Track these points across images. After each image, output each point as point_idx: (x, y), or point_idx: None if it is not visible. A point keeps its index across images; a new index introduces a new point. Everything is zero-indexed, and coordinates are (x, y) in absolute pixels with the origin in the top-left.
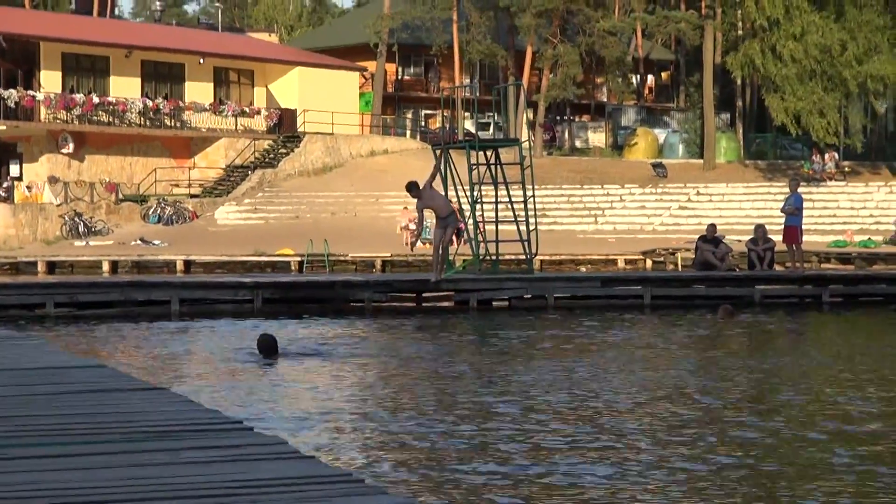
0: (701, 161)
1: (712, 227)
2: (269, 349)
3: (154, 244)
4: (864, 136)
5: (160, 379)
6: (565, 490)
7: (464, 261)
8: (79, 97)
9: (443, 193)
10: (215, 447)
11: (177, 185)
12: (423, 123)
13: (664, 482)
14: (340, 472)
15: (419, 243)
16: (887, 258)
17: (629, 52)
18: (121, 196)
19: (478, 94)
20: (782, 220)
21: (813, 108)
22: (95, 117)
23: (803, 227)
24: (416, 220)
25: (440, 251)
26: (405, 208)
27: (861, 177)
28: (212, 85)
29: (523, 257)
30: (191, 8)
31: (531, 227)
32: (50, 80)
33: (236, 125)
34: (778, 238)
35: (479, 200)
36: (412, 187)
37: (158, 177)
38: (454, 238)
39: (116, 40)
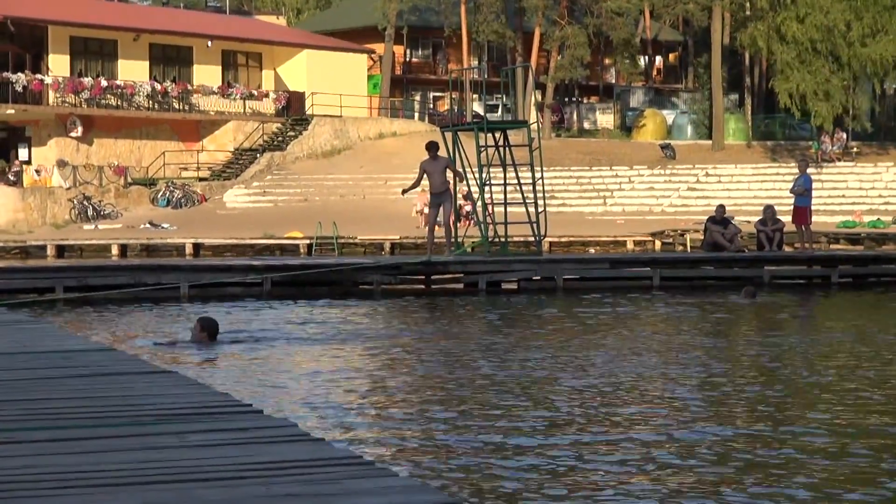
0: (709, 142)
1: (721, 208)
2: (209, 333)
3: (163, 227)
4: (871, 117)
5: (168, 362)
6: (574, 473)
7: (472, 243)
8: (87, 81)
9: (449, 180)
10: (224, 430)
11: (185, 169)
12: (431, 106)
13: (674, 461)
14: (350, 454)
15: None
16: None
17: (637, 34)
18: (129, 179)
19: (486, 76)
20: (791, 200)
21: (818, 89)
22: (104, 101)
23: (812, 207)
24: (427, 203)
25: (447, 230)
26: (423, 191)
27: (869, 157)
28: (220, 68)
29: (532, 239)
30: None
31: (540, 209)
32: (58, 64)
33: (244, 108)
34: (787, 219)
35: (487, 182)
36: (433, 147)
37: (167, 160)
38: (465, 220)
39: (124, 23)
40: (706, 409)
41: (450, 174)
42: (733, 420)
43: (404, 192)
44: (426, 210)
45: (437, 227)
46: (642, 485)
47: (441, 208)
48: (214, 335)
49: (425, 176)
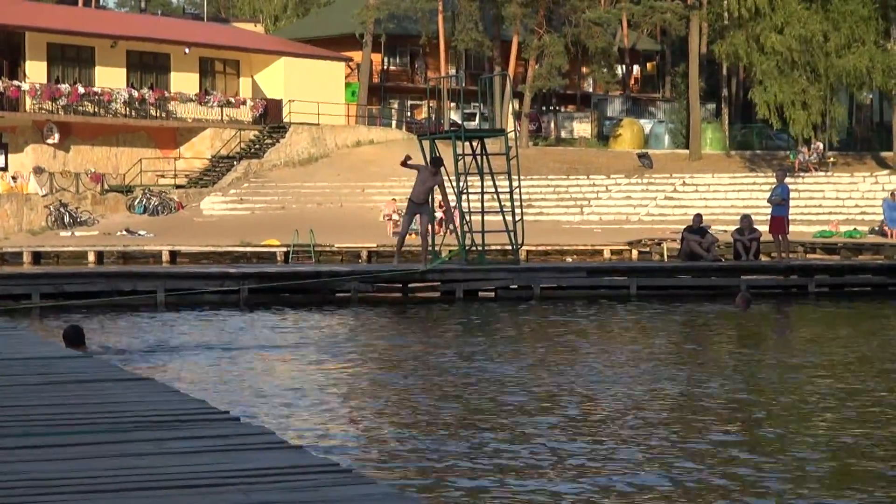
0: (687, 151)
1: (698, 217)
2: (74, 340)
3: (140, 235)
4: (849, 127)
5: (146, 369)
6: (555, 482)
7: (450, 251)
8: (64, 87)
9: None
10: (202, 437)
11: (162, 176)
12: (408, 114)
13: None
14: (327, 462)
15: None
16: (872, 248)
17: (615, 43)
18: (106, 186)
19: (464, 85)
20: (768, 210)
21: (796, 100)
22: (81, 107)
23: (789, 217)
24: (399, 211)
25: (424, 241)
26: (392, 199)
27: (846, 167)
28: (197, 75)
29: (509, 248)
30: None
31: (517, 218)
32: (35, 71)
33: (222, 115)
34: (764, 228)
35: (465, 191)
36: (438, 163)
37: (144, 167)
38: (437, 226)
39: (102, 30)
40: (682, 420)
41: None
42: (709, 432)
43: (405, 162)
44: (395, 216)
45: (412, 236)
46: (627, 494)
47: (419, 217)
48: (76, 343)
49: (417, 182)
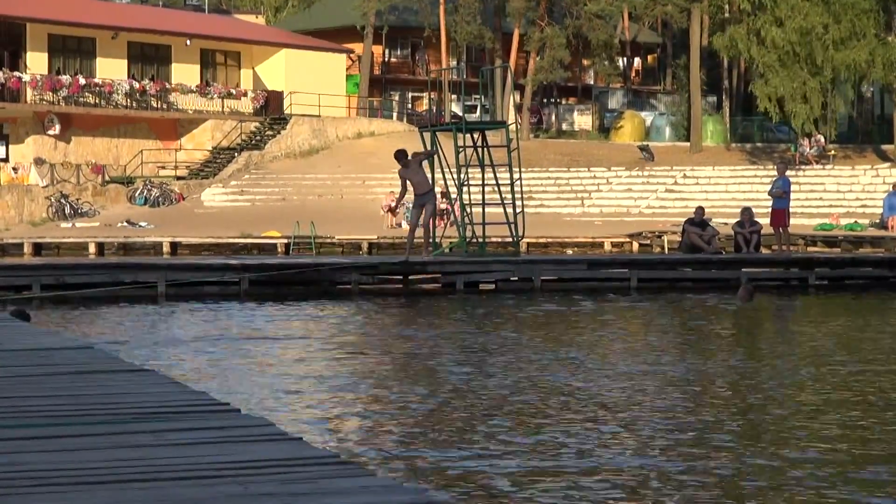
0: (688, 144)
1: (700, 209)
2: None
3: (140, 226)
4: (850, 120)
5: (146, 361)
6: (554, 473)
7: (450, 243)
8: (65, 78)
9: (428, 175)
10: (201, 429)
11: (163, 167)
12: (409, 106)
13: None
14: (328, 453)
15: (404, 224)
16: (873, 241)
17: (616, 35)
18: (107, 178)
19: (465, 77)
20: (769, 203)
21: (795, 93)
22: (82, 99)
23: (790, 210)
24: (395, 198)
25: (427, 231)
26: (391, 192)
27: (847, 160)
28: (198, 66)
29: (510, 240)
30: None
31: (518, 210)
32: (36, 62)
33: (223, 107)
34: (765, 221)
35: (465, 183)
36: (401, 155)
37: (145, 158)
38: (438, 219)
39: (103, 21)
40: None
41: (438, 180)
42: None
43: (395, 208)
44: (393, 203)
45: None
46: (629, 484)
47: (423, 209)
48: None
49: (410, 181)
